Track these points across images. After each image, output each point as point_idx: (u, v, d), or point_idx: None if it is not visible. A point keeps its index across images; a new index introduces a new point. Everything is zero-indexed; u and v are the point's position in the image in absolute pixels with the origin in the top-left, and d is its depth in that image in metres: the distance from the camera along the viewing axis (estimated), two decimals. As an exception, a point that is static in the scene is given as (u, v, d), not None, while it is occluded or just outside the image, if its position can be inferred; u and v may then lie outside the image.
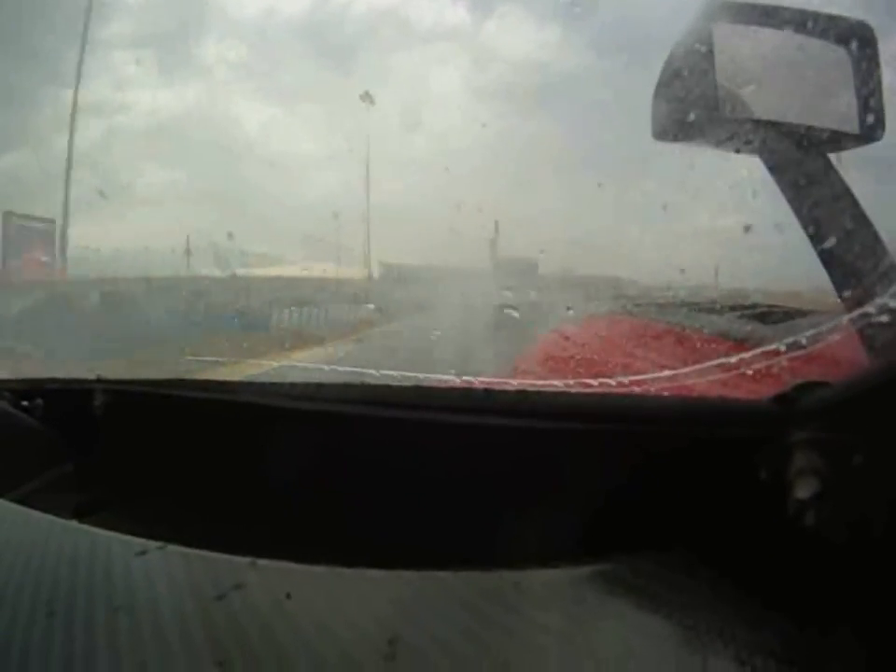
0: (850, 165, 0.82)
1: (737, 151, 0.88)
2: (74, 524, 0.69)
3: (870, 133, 0.83)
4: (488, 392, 0.71)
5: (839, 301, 0.73)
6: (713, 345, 0.84)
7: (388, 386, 0.81)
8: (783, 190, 0.81)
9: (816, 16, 0.85)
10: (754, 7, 0.87)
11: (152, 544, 0.61)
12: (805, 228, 0.78)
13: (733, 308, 1.04)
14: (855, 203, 0.78)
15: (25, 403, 0.95)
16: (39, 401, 0.95)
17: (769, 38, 0.86)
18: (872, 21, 0.86)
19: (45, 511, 0.72)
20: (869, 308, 0.62)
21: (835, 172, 0.81)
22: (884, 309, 0.60)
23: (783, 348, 0.67)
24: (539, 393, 0.77)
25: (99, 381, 0.92)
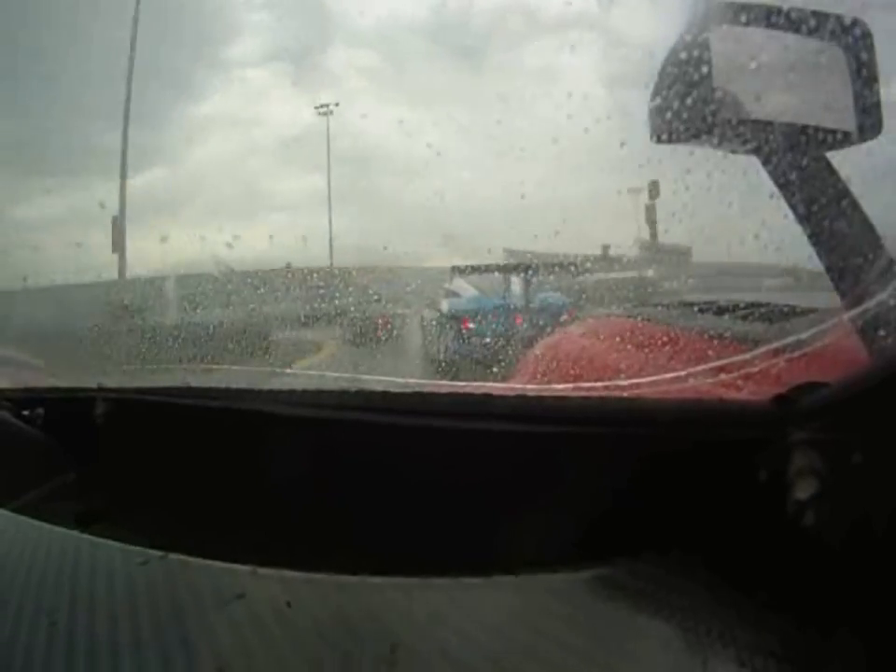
0: (848, 163, 0.82)
1: (734, 152, 0.88)
2: (75, 533, 0.70)
3: (867, 132, 0.83)
4: (487, 397, 0.71)
5: (838, 300, 0.73)
6: (712, 346, 0.84)
7: (388, 392, 0.81)
8: (781, 190, 0.81)
9: (812, 15, 0.85)
10: (751, 7, 0.87)
11: (153, 553, 0.61)
12: (804, 227, 0.78)
13: (732, 308, 1.04)
14: (853, 202, 0.77)
15: (26, 413, 0.95)
16: (40, 411, 0.96)
17: (766, 38, 0.86)
18: (868, 18, 0.85)
19: (46, 520, 0.72)
20: (868, 307, 0.62)
21: (833, 170, 0.81)
22: (883, 308, 0.60)
23: (782, 348, 0.67)
24: (538, 397, 0.77)
25: (99, 389, 0.92)
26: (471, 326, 5.13)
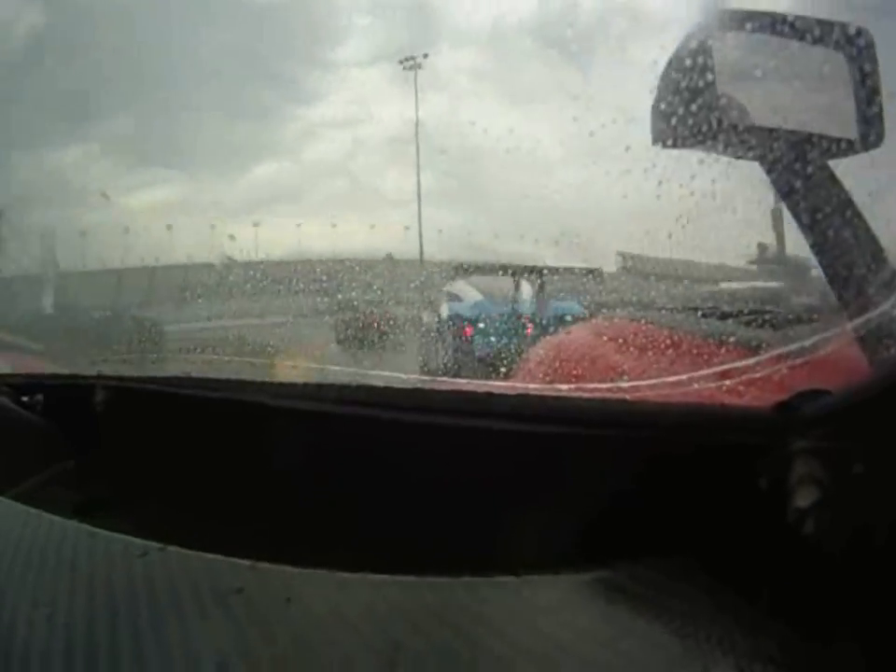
0: (851, 173, 0.83)
1: (738, 158, 0.88)
2: (74, 523, 0.69)
3: (870, 141, 0.84)
4: (490, 395, 0.71)
5: (841, 308, 0.73)
6: (715, 351, 0.84)
7: (390, 388, 0.81)
8: (784, 198, 0.82)
9: (815, 23, 0.86)
10: (754, 14, 0.87)
11: (153, 545, 0.61)
12: (806, 235, 0.79)
13: (735, 314, 1.04)
14: (856, 211, 0.78)
15: (26, 399, 0.95)
16: (40, 397, 0.95)
17: (769, 45, 0.87)
18: (871, 26, 0.86)
19: (45, 508, 0.71)
20: (871, 316, 0.62)
21: (836, 179, 0.81)
22: (885, 317, 0.60)
23: (785, 355, 0.67)
24: (540, 397, 0.77)
25: (99, 377, 0.91)
26: (474, 334, 4.74)
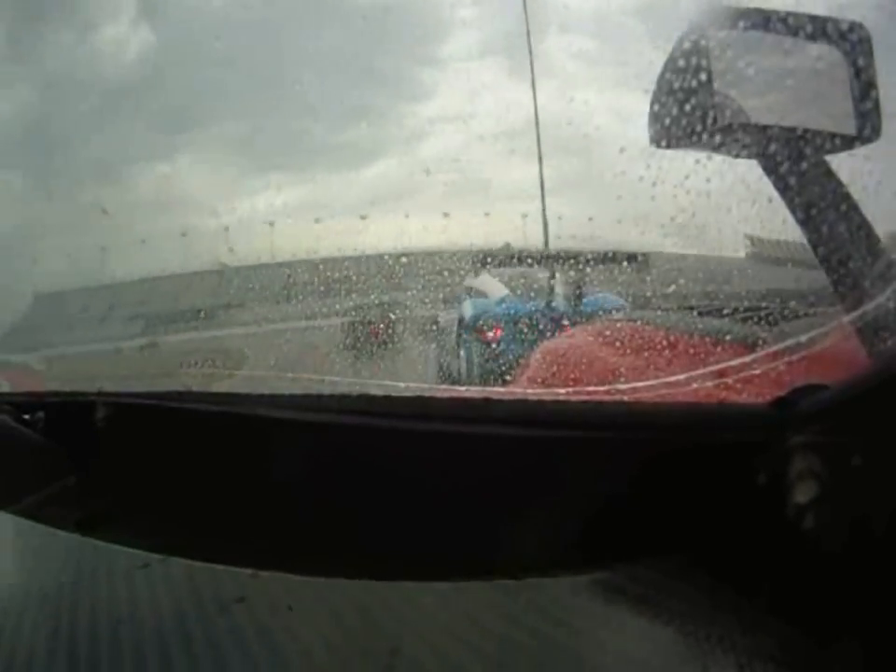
0: (847, 167, 0.82)
1: (736, 156, 0.88)
2: (76, 537, 0.70)
3: (867, 135, 0.83)
4: (488, 402, 0.71)
5: (838, 302, 0.73)
6: (712, 349, 0.84)
7: (388, 397, 0.81)
8: (781, 193, 0.81)
9: (811, 18, 0.85)
10: (750, 12, 0.87)
11: (154, 557, 0.61)
12: (804, 231, 0.78)
13: (731, 311, 1.04)
14: (853, 205, 0.78)
15: (27, 417, 0.95)
16: (41, 415, 0.96)
17: (765, 42, 0.87)
18: (866, 21, 0.86)
19: (47, 524, 0.72)
20: (868, 310, 0.62)
21: (833, 174, 0.81)
22: (882, 310, 0.60)
23: (782, 351, 0.67)
24: (539, 401, 0.77)
25: (100, 394, 0.92)
26: (499, 337, 4.04)
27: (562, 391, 0.85)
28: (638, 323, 1.13)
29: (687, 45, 0.85)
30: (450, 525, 0.60)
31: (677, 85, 0.85)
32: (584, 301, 3.48)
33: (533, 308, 3.74)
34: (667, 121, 0.86)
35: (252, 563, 0.58)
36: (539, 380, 1.12)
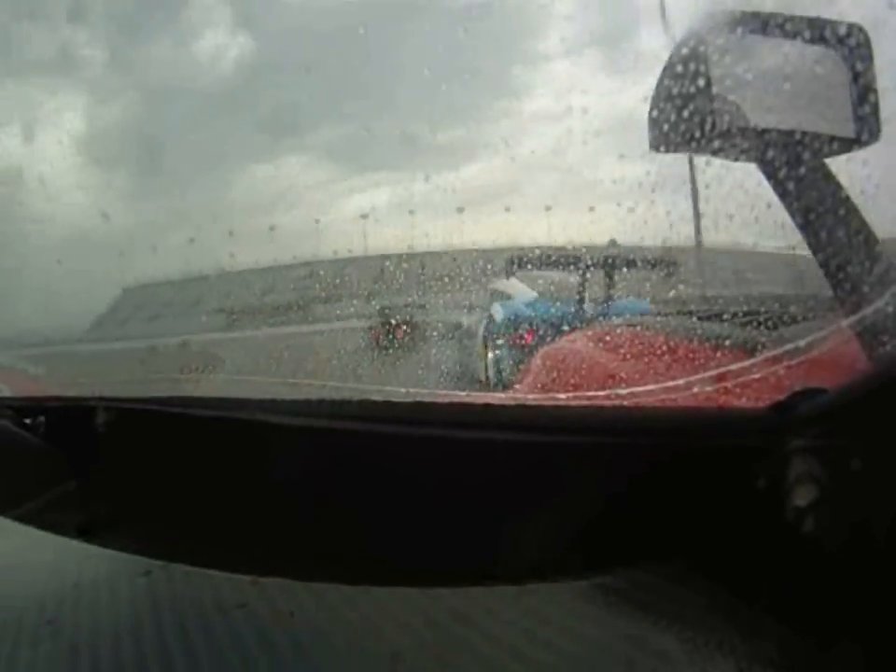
0: (847, 170, 0.82)
1: (735, 160, 0.88)
2: (77, 543, 0.70)
3: (866, 137, 0.83)
4: (488, 407, 0.71)
5: (837, 306, 0.73)
6: (711, 354, 0.84)
7: (389, 402, 0.81)
8: (780, 197, 0.81)
9: (809, 22, 0.86)
10: (748, 15, 0.87)
11: (155, 563, 0.61)
12: (803, 233, 0.78)
13: (731, 316, 1.04)
14: (853, 208, 0.78)
15: (27, 421, 0.96)
16: (41, 419, 0.96)
17: (764, 46, 0.87)
18: (865, 23, 0.86)
19: (48, 529, 0.72)
20: (867, 313, 0.62)
21: (833, 176, 0.81)
22: (882, 314, 0.60)
23: (781, 355, 0.66)
24: (538, 407, 0.77)
25: (101, 399, 0.92)
26: (537, 340, 3.70)
27: (562, 396, 0.85)
28: (639, 328, 1.13)
29: (685, 50, 0.85)
30: (451, 530, 0.60)
31: (675, 90, 0.85)
32: (613, 304, 3.44)
33: (565, 311, 3.61)
34: (666, 126, 0.86)
35: (253, 569, 0.58)
36: (540, 385, 1.12)
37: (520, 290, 4.89)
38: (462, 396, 0.90)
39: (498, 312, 4.92)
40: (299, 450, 0.71)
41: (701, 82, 0.82)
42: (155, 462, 0.82)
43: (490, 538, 0.59)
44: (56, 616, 0.55)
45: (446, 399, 0.91)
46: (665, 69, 0.88)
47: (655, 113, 0.88)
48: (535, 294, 4.58)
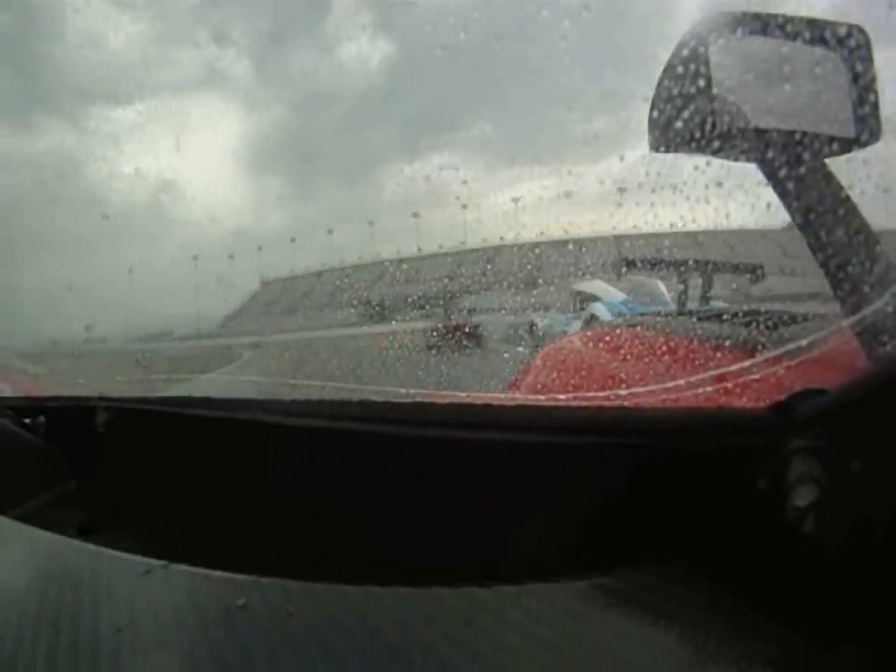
0: (847, 170, 0.82)
1: (735, 160, 0.88)
2: (77, 542, 0.70)
3: (866, 137, 0.83)
4: (487, 407, 0.71)
5: (837, 306, 0.73)
6: (712, 355, 0.84)
7: (389, 402, 0.81)
8: (780, 197, 0.81)
9: (810, 22, 0.85)
10: (748, 16, 0.87)
11: (156, 563, 0.61)
12: (804, 233, 0.78)
13: (731, 316, 1.04)
14: (853, 209, 0.77)
15: (28, 421, 0.96)
16: (42, 419, 0.96)
17: (764, 47, 0.87)
18: (865, 24, 0.86)
19: (48, 528, 0.72)
20: (867, 313, 0.62)
21: (833, 177, 0.81)
22: (881, 314, 0.60)
23: (781, 356, 0.66)
24: (538, 407, 0.77)
25: (101, 398, 0.92)
26: None
27: (562, 396, 0.85)
28: (639, 328, 1.13)
29: (686, 50, 0.85)
30: (451, 530, 0.60)
31: (676, 90, 0.85)
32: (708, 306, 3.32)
33: (666, 311, 3.48)
34: (666, 127, 0.86)
35: (253, 569, 0.58)
36: (540, 385, 1.12)
37: (607, 291, 4.93)
38: (462, 396, 0.89)
39: (603, 311, 4.92)
40: (299, 450, 0.71)
41: (701, 83, 0.82)
42: (155, 462, 0.82)
43: (490, 537, 0.59)
44: (56, 616, 0.55)
45: (446, 399, 0.91)
46: (665, 69, 0.88)
47: (655, 113, 0.88)
48: (624, 296, 4.56)
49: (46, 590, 0.60)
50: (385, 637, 0.49)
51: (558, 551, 0.56)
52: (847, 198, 0.79)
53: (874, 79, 0.84)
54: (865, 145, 0.83)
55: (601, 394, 0.81)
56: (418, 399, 0.87)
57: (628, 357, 1.01)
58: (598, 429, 0.60)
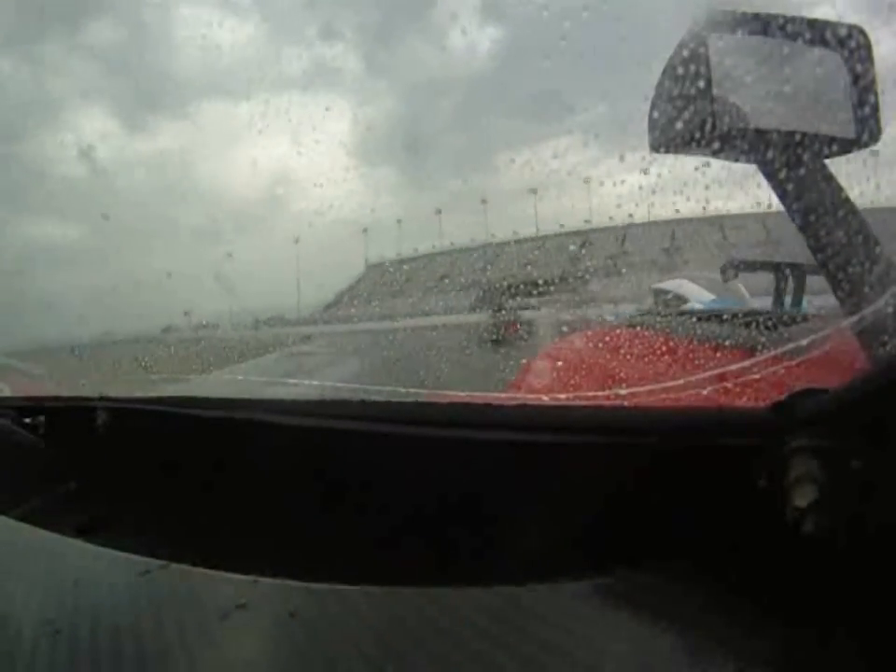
0: (847, 171, 0.82)
1: (735, 161, 0.88)
2: (77, 542, 0.70)
3: (866, 138, 0.83)
4: (488, 407, 0.71)
5: (838, 307, 0.73)
6: (712, 354, 0.84)
7: (389, 402, 0.81)
8: (780, 198, 0.81)
9: (810, 22, 0.85)
10: (748, 16, 0.87)
11: (155, 563, 0.61)
12: (804, 234, 0.78)
13: (731, 316, 1.04)
14: (853, 209, 0.77)
15: (28, 421, 0.96)
16: (42, 419, 0.96)
17: (764, 47, 0.87)
18: (865, 25, 0.86)
19: (48, 528, 0.72)
20: (867, 314, 0.62)
21: (833, 178, 0.81)
22: (881, 314, 0.60)
23: (781, 355, 0.66)
24: (538, 407, 0.77)
25: (101, 398, 0.92)
26: None
27: (562, 396, 0.85)
28: (639, 328, 1.13)
29: (686, 51, 0.85)
30: (451, 530, 0.60)
31: (676, 91, 0.85)
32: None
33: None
34: (666, 127, 0.86)
35: (253, 569, 0.58)
36: (540, 385, 1.12)
37: (693, 292, 4.70)
38: (462, 396, 0.89)
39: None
40: (299, 450, 0.71)
41: (701, 83, 0.82)
42: (155, 462, 0.82)
43: (489, 538, 0.58)
44: (56, 616, 0.55)
45: (446, 399, 0.91)
46: (665, 70, 0.87)
47: (655, 114, 0.88)
48: (712, 296, 4.39)
49: (46, 590, 0.61)
50: (385, 637, 0.49)
51: (558, 551, 0.56)
52: (847, 198, 0.78)
53: (874, 80, 0.84)
54: (865, 145, 0.83)
55: (601, 394, 0.81)
56: (418, 399, 0.87)
57: (628, 356, 1.01)
58: (598, 429, 0.60)
